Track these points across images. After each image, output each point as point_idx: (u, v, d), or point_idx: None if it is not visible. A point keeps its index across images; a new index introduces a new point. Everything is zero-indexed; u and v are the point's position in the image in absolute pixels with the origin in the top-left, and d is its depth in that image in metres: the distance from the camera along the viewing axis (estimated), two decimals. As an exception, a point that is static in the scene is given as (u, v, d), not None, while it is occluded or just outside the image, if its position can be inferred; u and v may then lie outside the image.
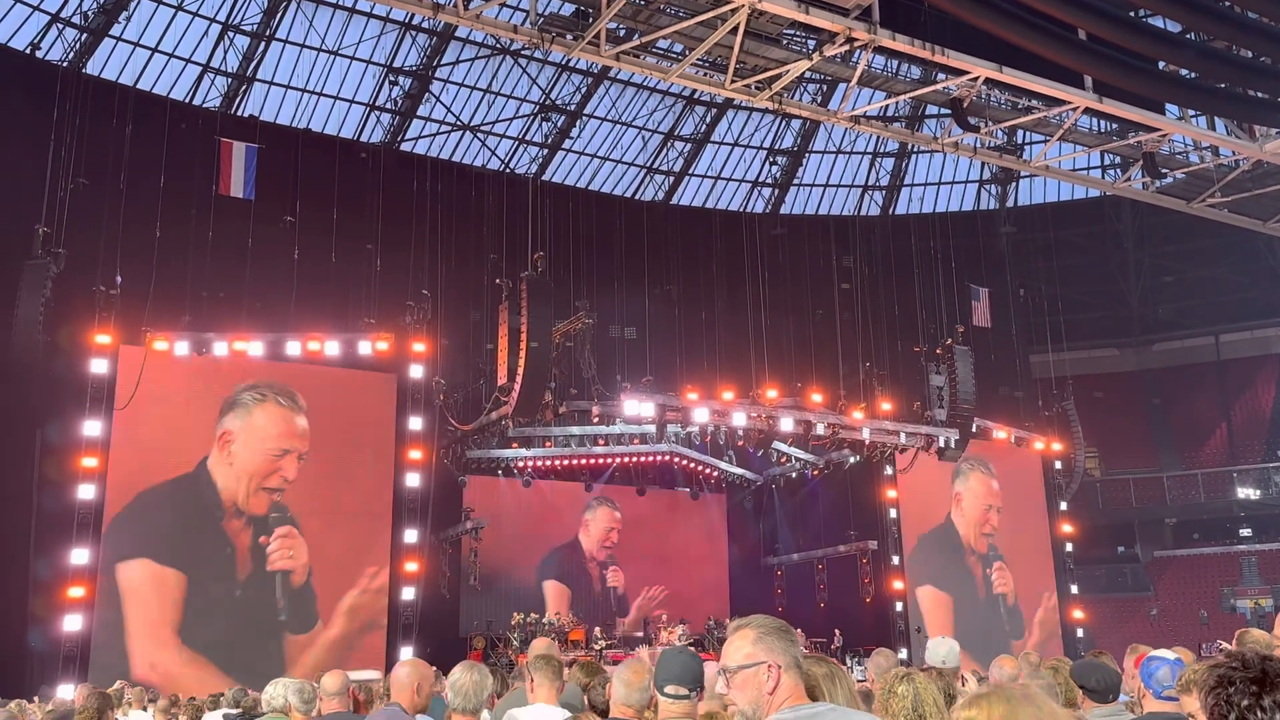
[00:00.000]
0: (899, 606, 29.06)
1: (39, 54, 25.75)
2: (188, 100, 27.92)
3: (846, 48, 16.76)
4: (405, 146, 31.47)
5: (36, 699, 15.24)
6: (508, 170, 32.65)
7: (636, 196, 35.53)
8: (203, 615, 21.61)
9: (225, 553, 22.30)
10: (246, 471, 22.71)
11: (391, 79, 30.23)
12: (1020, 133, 23.10)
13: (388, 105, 30.68)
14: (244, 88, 28.63)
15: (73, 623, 19.90)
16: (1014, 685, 2.76)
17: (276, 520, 22.83)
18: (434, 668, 6.04)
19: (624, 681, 4.46)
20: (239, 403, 22.96)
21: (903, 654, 26.43)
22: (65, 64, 25.71)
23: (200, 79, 28.04)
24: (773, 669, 2.86)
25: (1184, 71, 18.58)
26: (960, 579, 30.33)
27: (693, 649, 4.87)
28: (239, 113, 28.49)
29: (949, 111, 19.35)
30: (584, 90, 32.48)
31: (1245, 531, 35.87)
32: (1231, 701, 2.12)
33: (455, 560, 27.66)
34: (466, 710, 4.91)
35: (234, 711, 10.19)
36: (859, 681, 6.05)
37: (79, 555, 20.26)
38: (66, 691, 18.00)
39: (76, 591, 20.09)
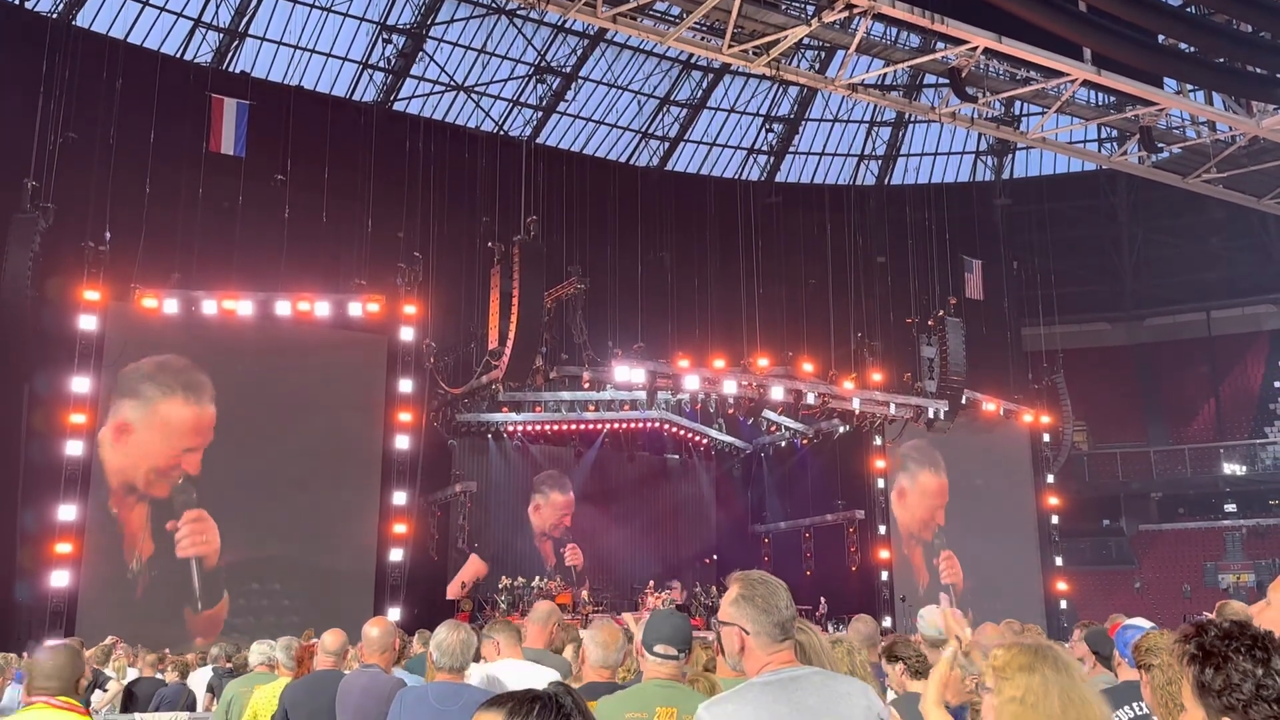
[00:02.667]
0: (884, 575, 29.26)
1: (29, 4, 25.41)
2: (179, 55, 27.60)
3: (846, 14, 16.63)
4: (398, 106, 31.21)
5: (25, 654, 15.25)
6: (501, 132, 32.42)
7: (631, 161, 35.34)
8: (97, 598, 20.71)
9: (111, 532, 21.38)
10: (145, 463, 21.71)
11: (385, 37, 29.91)
12: (1018, 104, 23.01)
13: (381, 64, 30.39)
14: (236, 43, 28.30)
15: (60, 578, 19.90)
16: (1051, 648, 2.78)
17: (184, 503, 21.87)
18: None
19: (600, 644, 4.47)
20: (139, 393, 21.80)
21: (887, 622, 26.65)
22: (55, 15, 25.39)
23: (191, 33, 27.71)
24: (738, 634, 2.95)
25: (1183, 45, 18.49)
26: (901, 565, 30.33)
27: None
28: (230, 69, 28.18)
29: (947, 81, 19.27)
30: (580, 52, 32.20)
31: (1230, 507, 36.10)
32: (1245, 671, 2.02)
33: (443, 523, 27.73)
34: (452, 669, 4.92)
35: (224, 666, 10.28)
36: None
37: (66, 511, 20.24)
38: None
39: (64, 548, 20.08)
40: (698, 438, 32.97)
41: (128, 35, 26.77)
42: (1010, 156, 37.54)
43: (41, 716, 3.32)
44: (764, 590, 3.00)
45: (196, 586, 21.85)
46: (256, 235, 23.63)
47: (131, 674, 11.29)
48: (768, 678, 2.89)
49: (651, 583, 28.13)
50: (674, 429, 32.26)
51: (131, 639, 18.88)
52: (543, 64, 32.10)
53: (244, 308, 22.46)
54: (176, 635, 20.67)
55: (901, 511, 30.58)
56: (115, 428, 21.60)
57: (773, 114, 35.88)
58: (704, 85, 34.70)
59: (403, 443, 23.55)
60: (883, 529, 29.60)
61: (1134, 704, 4.11)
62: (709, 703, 2.87)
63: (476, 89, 32.01)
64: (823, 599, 27.55)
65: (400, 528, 23.15)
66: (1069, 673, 2.70)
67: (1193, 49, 18.52)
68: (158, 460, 21.89)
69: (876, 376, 28.37)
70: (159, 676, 11.00)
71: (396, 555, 23.02)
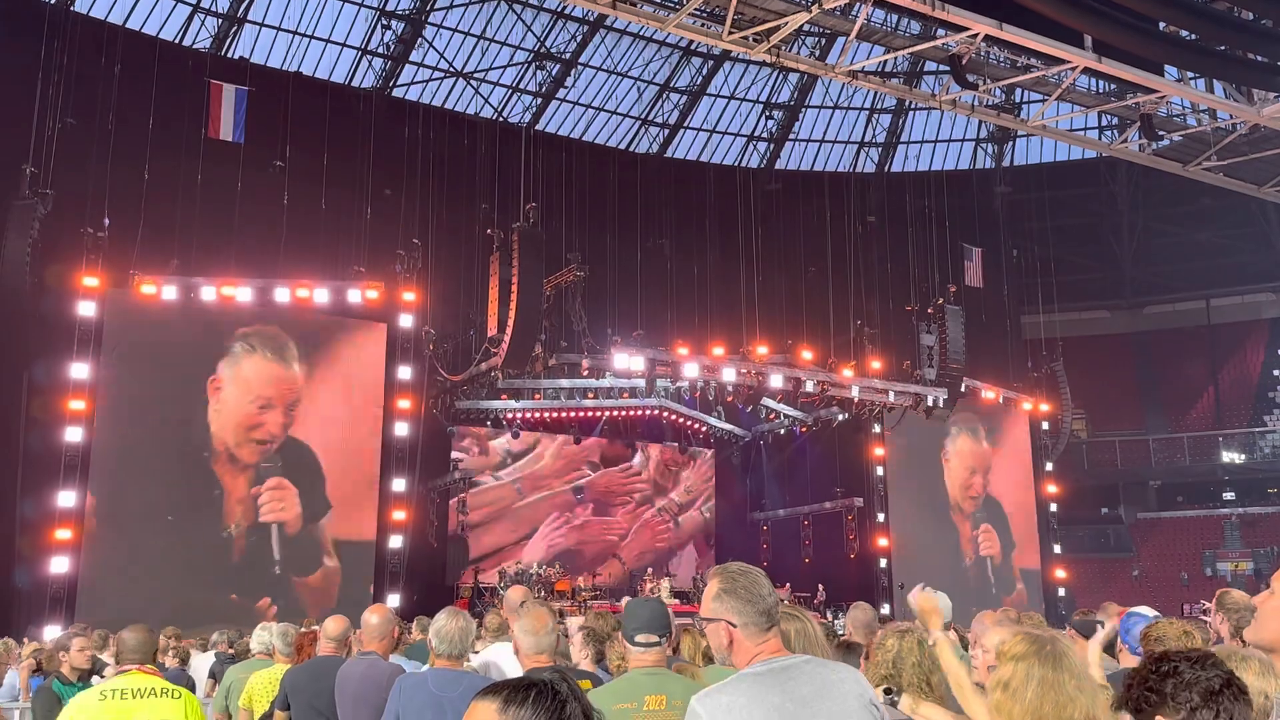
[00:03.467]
0: (883, 563, 29.31)
1: (26, -10, 25.30)
2: (177, 41, 27.51)
3: (846, 0, 16.57)
4: (397, 92, 31.11)
5: (26, 639, 15.29)
6: (501, 119, 32.34)
7: (631, 148, 35.27)
8: (191, 558, 21.49)
9: (213, 495, 22.22)
10: (233, 421, 22.53)
11: (384, 23, 29.79)
12: (1018, 92, 22.93)
13: (380, 50, 30.29)
14: (234, 29, 28.19)
15: (59, 565, 19.92)
16: (1053, 640, 2.86)
17: (267, 470, 22.68)
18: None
19: (528, 631, 4.49)
20: (230, 351, 22.73)
21: (884, 609, 26.70)
22: (53, 1, 25.27)
23: (190, 19, 27.61)
24: (725, 627, 2.95)
25: (1184, 33, 18.43)
26: (945, 537, 30.57)
27: (675, 599, 4.90)
28: (229, 54, 28.08)
29: (948, 68, 19.21)
30: (579, 39, 32.10)
31: (1229, 495, 36.13)
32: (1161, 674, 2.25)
33: (443, 509, 27.78)
34: (451, 655, 4.93)
35: (226, 652, 10.31)
36: (839, 635, 6.09)
37: (66, 498, 20.25)
38: (53, 632, 18.09)
39: (64, 534, 20.10)
40: (697, 425, 32.99)
41: (126, 21, 26.67)
42: (1011, 144, 37.48)
43: (135, 678, 4.71)
44: (745, 581, 2.99)
45: (276, 552, 22.46)
46: (255, 222, 23.57)
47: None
48: (759, 668, 2.89)
49: (650, 570, 28.20)
50: (673, 416, 32.27)
51: (225, 602, 19.45)
52: (542, 50, 31.99)
53: (243, 294, 22.44)
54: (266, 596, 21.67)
55: (949, 480, 30.86)
56: (211, 384, 22.52)
57: (773, 101, 35.81)
58: (704, 72, 34.61)
59: (402, 430, 23.57)
60: (881, 516, 29.65)
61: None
62: (702, 694, 2.86)
63: (476, 75, 31.92)
64: (821, 586, 27.62)
65: (399, 514, 23.18)
66: (1059, 667, 2.77)
67: (1194, 36, 18.46)
68: (241, 414, 22.65)
69: (876, 364, 28.37)
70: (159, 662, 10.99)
71: (396, 542, 23.06)
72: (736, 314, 28.62)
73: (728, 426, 33.29)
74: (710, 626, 3.00)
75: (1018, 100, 24.50)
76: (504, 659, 5.06)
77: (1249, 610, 4.06)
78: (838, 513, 30.41)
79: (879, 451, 30.08)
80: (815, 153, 37.37)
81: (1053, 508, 32.10)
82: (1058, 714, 2.74)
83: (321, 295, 22.94)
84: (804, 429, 31.59)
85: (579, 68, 32.75)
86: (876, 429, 29.94)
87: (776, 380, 26.63)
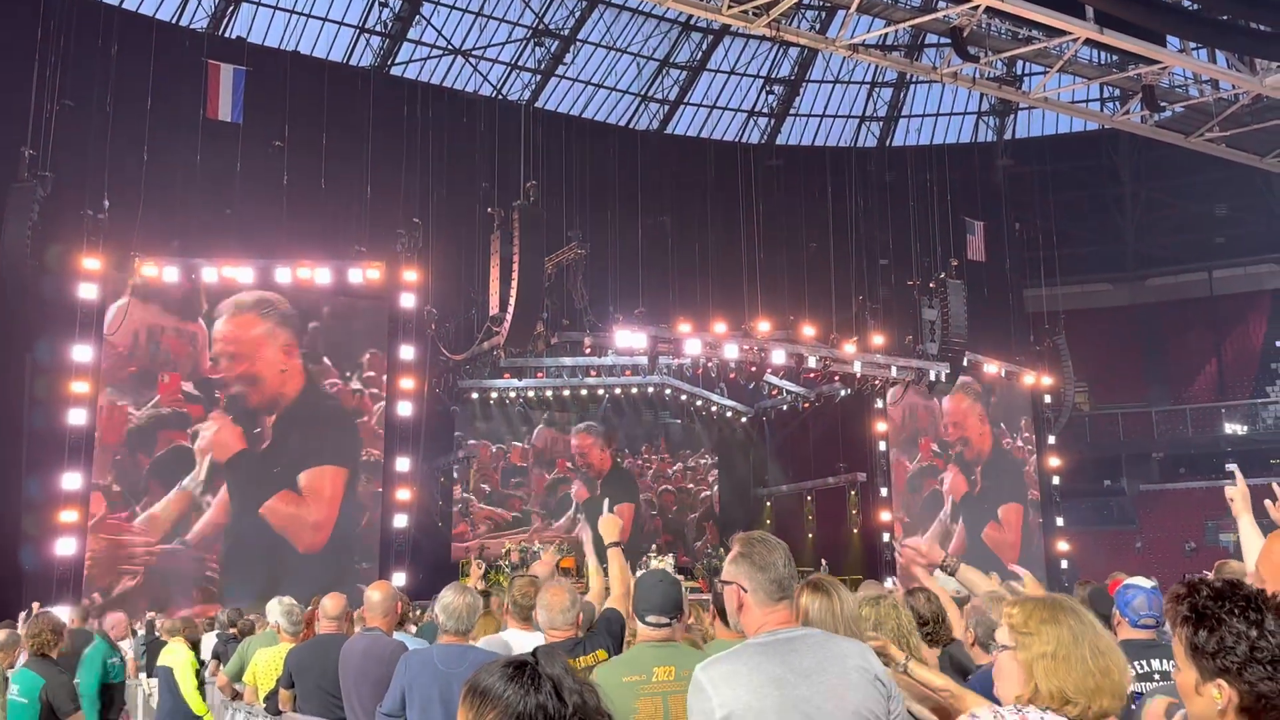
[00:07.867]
0: (885, 537, 29.39)
1: (21, -29, 25.15)
2: (174, 21, 27.37)
3: (845, -27, 16.48)
4: (395, 70, 30.97)
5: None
6: (500, 96, 32.20)
7: (631, 125, 35.12)
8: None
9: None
10: None
11: (381, 0, 29.65)
12: (1020, 64, 22.83)
13: (377, 28, 30.13)
14: (231, 8, 28.04)
15: (65, 546, 20.01)
16: (1066, 599, 2.76)
17: None
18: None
19: (546, 607, 4.57)
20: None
21: (889, 583, 26.78)
22: (48, -18, 25.14)
23: (186, -1, 27.48)
24: (737, 591, 3.05)
25: (1186, 2, 18.34)
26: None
27: (679, 576, 4.94)
28: (226, 34, 27.94)
29: (949, 41, 19.12)
30: (578, 14, 31.91)
31: (1231, 467, 36.06)
32: (1239, 633, 1.98)
33: (447, 489, 27.84)
34: (458, 632, 4.96)
35: (229, 632, 10.35)
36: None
37: (71, 480, 20.30)
38: (61, 613, 18.16)
39: (69, 516, 20.17)
40: (699, 402, 33.01)
41: (122, 2, 26.54)
42: (1012, 117, 37.30)
43: (177, 645, 8.53)
44: (761, 548, 3.07)
45: None
46: (255, 202, 23.54)
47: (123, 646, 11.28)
48: (765, 638, 2.94)
49: (654, 547, 28.27)
50: (675, 393, 32.29)
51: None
52: (540, 26, 31.80)
53: (244, 275, 22.42)
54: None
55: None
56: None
57: (773, 76, 35.61)
58: (703, 47, 34.42)
59: (405, 409, 23.56)
60: (884, 491, 29.71)
61: (1135, 662, 4.11)
62: (705, 663, 2.91)
63: (474, 53, 31.76)
64: (824, 561, 27.68)
65: (404, 494, 23.21)
66: (1089, 621, 2.67)
67: (1196, 6, 18.36)
68: None
69: (878, 339, 28.34)
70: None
71: (401, 521, 23.10)
72: (738, 290, 28.58)
73: (730, 403, 33.31)
74: (726, 589, 3.11)
75: (1019, 72, 24.40)
76: (515, 640, 5.10)
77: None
78: (840, 488, 30.47)
79: (881, 426, 30.10)
80: (816, 128, 37.25)
81: (1055, 480, 32.14)
82: (1113, 665, 2.57)
83: (323, 275, 22.90)
84: (806, 404, 31.60)
85: (578, 44, 32.57)
86: (879, 404, 29.94)
87: (779, 356, 26.61)
